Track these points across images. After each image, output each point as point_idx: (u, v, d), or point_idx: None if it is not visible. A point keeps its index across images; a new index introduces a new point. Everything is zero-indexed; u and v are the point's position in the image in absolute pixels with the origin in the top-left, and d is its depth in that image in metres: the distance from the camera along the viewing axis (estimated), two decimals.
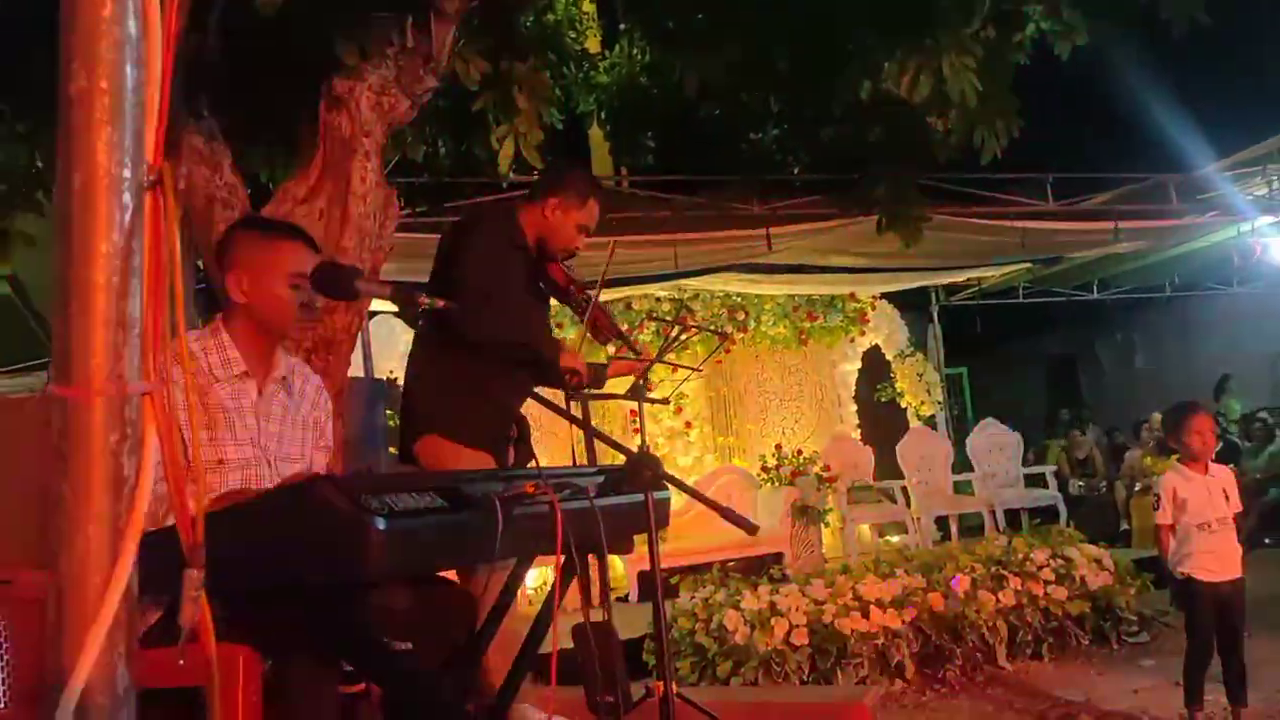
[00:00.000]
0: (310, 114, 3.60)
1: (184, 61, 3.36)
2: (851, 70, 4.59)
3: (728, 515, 2.14)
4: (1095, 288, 10.81)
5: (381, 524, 1.45)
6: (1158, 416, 9.02)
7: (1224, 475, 4.08)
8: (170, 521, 1.14)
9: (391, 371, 7.85)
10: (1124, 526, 9.23)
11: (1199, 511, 3.95)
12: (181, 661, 0.90)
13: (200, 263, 4.38)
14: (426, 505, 1.59)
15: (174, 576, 0.97)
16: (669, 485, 2.29)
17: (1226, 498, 3.99)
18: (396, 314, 2.18)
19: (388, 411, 5.90)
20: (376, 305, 5.96)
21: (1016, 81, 4.79)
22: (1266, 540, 8.67)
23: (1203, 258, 9.43)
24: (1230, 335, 12.36)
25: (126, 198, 0.89)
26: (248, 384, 2.13)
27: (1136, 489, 9.07)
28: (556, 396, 2.79)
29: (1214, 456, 4.16)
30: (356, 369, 4.89)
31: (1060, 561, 5.72)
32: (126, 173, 0.90)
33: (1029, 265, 9.49)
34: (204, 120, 3.48)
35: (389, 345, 7.62)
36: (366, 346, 5.61)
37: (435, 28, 3.50)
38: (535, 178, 3.65)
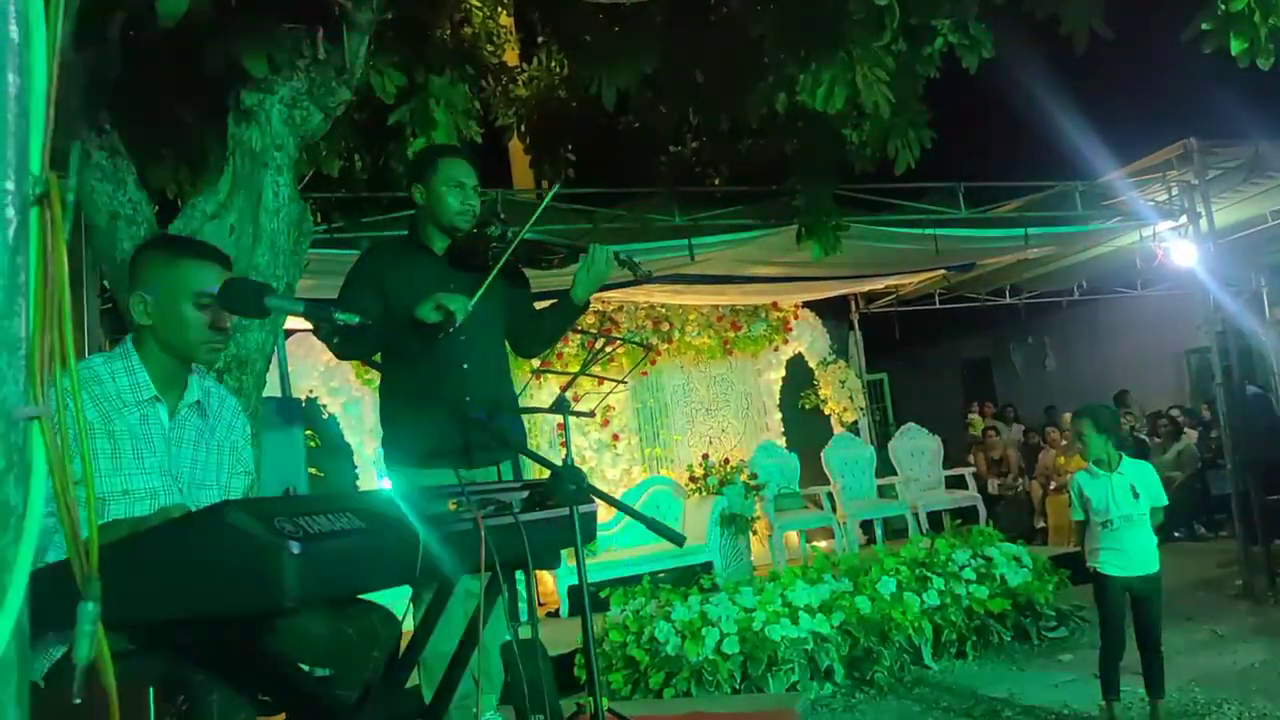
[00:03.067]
0: (219, 128, 3.49)
1: (84, 74, 3.23)
2: (767, 83, 4.64)
3: (654, 527, 2.12)
4: (1007, 293, 11.10)
5: (296, 548, 1.40)
6: (1067, 417, 9.31)
7: (1136, 471, 4.19)
8: None
9: (311, 390, 7.69)
10: (1040, 524, 9.50)
11: (1100, 509, 4.13)
12: (76, 700, 0.85)
13: (105, 281, 4.23)
14: (344, 527, 1.54)
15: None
16: (595, 498, 2.26)
17: (1136, 495, 4.12)
18: (313, 331, 2.11)
19: (307, 432, 5.77)
20: (293, 323, 5.84)
21: (928, 93, 4.90)
22: (1175, 534, 8.99)
23: (1108, 262, 9.73)
24: (1137, 337, 12.78)
25: (10, 212, 0.84)
26: (158, 409, 2.04)
27: (1052, 487, 9.35)
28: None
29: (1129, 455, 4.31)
30: (273, 389, 4.77)
31: (981, 561, 5.85)
32: (9, 185, 0.85)
33: (944, 272, 9.71)
34: (106, 134, 3.35)
35: (307, 364, 7.47)
36: (283, 365, 5.48)
37: (347, 39, 3.42)
38: None
